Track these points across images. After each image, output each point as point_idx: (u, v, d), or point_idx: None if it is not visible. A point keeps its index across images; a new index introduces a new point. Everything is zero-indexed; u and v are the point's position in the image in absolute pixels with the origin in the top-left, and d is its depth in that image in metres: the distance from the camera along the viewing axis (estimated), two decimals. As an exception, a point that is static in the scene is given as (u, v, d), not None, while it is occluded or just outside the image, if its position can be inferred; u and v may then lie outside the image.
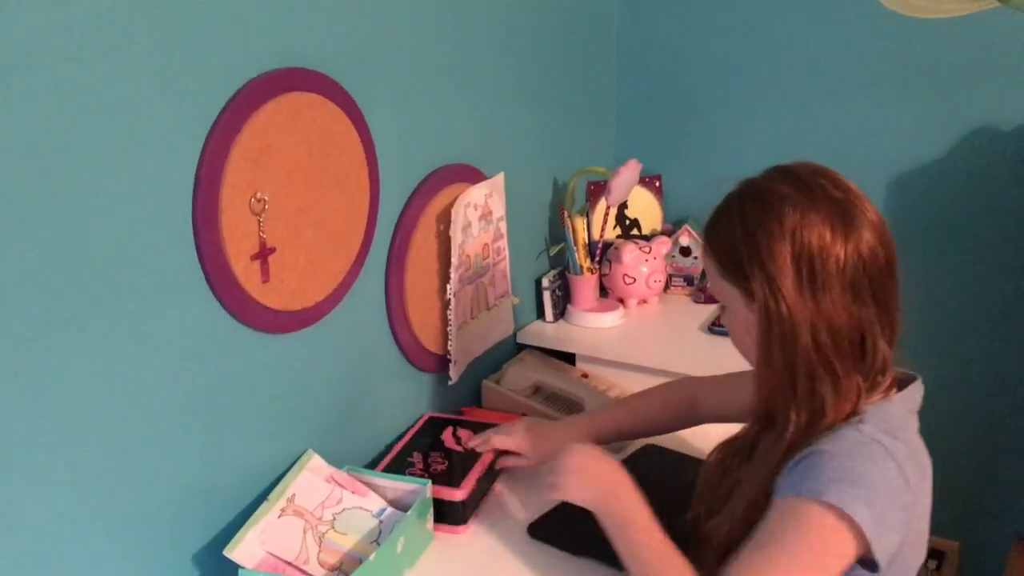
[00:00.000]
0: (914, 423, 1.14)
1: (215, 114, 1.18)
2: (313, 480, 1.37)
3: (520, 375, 1.78)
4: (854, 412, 1.09)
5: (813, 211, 1.06)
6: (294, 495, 1.33)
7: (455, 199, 1.62)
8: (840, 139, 1.98)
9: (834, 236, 1.06)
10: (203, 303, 1.21)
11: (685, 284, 2.11)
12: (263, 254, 1.26)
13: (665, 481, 1.46)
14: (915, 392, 1.15)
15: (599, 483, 1.22)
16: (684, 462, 1.52)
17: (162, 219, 1.13)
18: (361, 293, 1.47)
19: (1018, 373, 1.92)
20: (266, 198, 1.25)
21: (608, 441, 1.48)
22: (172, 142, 1.13)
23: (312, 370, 1.41)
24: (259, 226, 1.25)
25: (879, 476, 1.03)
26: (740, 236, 1.10)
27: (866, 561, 1.04)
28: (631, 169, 1.85)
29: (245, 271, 1.24)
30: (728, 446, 1.29)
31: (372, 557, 1.23)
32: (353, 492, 1.38)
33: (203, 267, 1.19)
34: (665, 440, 1.59)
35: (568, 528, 1.37)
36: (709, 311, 2.01)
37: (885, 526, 1.02)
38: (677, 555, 1.12)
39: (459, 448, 1.55)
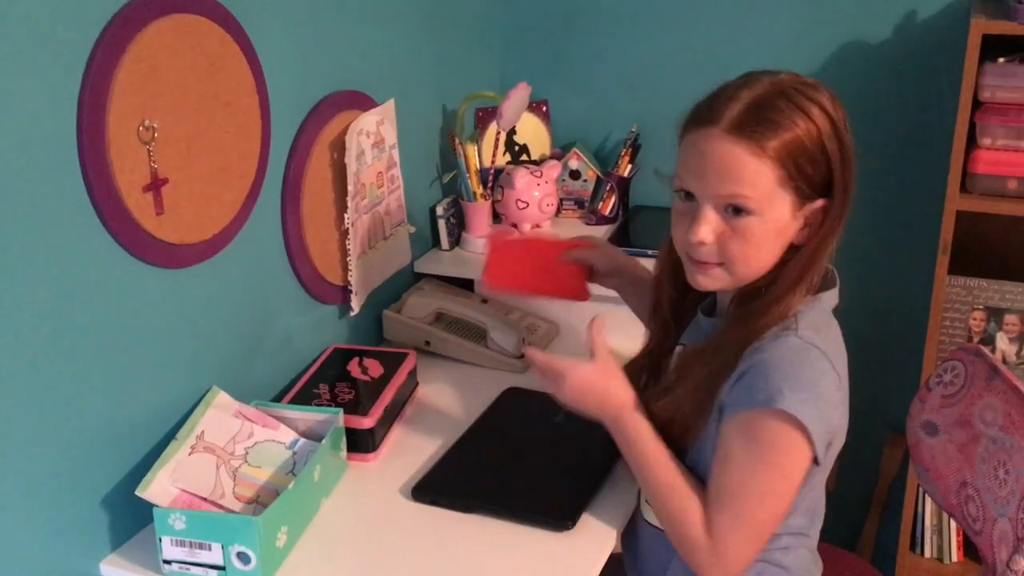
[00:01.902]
0: (834, 321, 1.19)
1: (96, 34, 1.11)
2: (221, 416, 1.34)
3: (420, 303, 1.77)
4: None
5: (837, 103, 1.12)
6: (203, 432, 1.30)
7: (347, 127, 1.59)
8: (720, 54, 2.02)
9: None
10: (96, 238, 1.16)
11: (576, 207, 2.14)
12: (156, 185, 1.21)
13: (533, 424, 1.51)
14: (835, 295, 1.20)
15: (604, 404, 1.21)
16: (548, 403, 1.53)
17: (46, 150, 1.07)
18: (258, 224, 1.44)
19: (889, 271, 2.03)
20: (155, 125, 1.20)
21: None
22: (51, 64, 1.06)
23: (213, 305, 1.37)
24: (150, 156, 1.20)
25: (819, 378, 1.09)
26: (819, 134, 1.08)
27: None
28: (521, 92, 1.85)
29: (138, 203, 1.19)
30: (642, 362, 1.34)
31: (291, 486, 1.22)
32: (264, 426, 1.37)
33: (93, 200, 1.14)
34: (527, 381, 1.61)
35: (454, 486, 1.36)
36: (600, 232, 2.04)
37: (828, 424, 1.09)
38: (679, 478, 1.16)
39: (365, 378, 1.55)
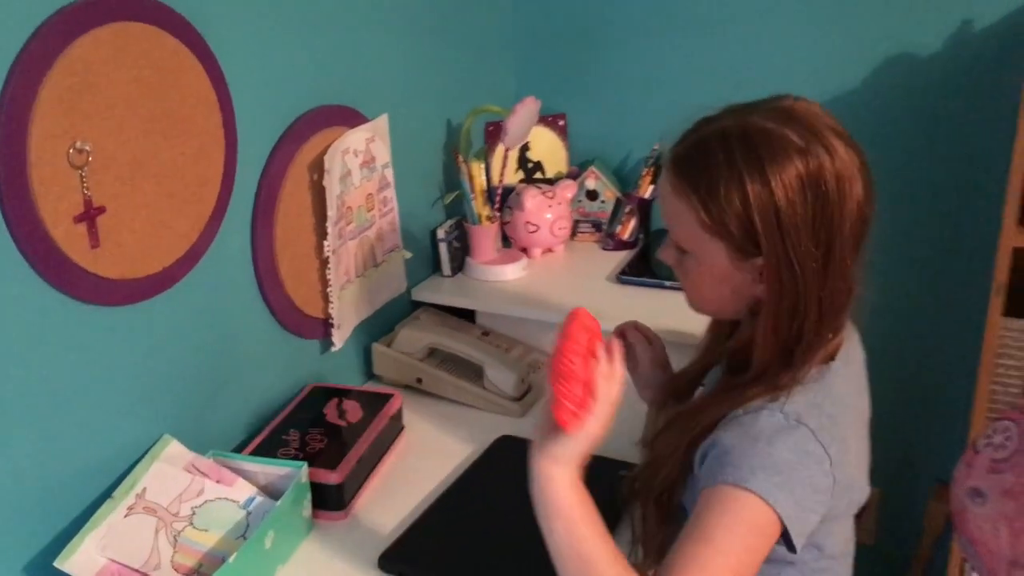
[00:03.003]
0: (846, 370, 1.07)
1: (18, 47, 0.98)
2: (168, 471, 1.20)
3: (413, 337, 1.62)
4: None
5: (827, 163, 0.96)
6: (144, 489, 1.17)
7: (331, 144, 1.44)
8: (753, 70, 1.84)
9: (844, 190, 0.97)
10: (17, 275, 1.02)
11: (593, 230, 1.97)
12: (89, 215, 1.08)
13: (524, 480, 1.33)
14: (851, 349, 1.09)
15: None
16: None
17: (-50, 177, 0.94)
18: (221, 254, 1.30)
19: (937, 320, 1.84)
20: (88, 148, 1.06)
21: None
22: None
23: (166, 344, 1.23)
24: (82, 182, 1.06)
25: (799, 463, 0.97)
26: (746, 192, 0.96)
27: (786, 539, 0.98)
28: (528, 107, 1.69)
29: (67, 235, 1.06)
30: (671, 384, 1.25)
31: (232, 557, 1.07)
32: (218, 481, 1.22)
33: (11, 233, 1.00)
34: (524, 427, 1.45)
35: (428, 556, 1.21)
36: (618, 258, 1.88)
37: (804, 509, 0.98)
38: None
39: (342, 423, 1.40)
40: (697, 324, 1.24)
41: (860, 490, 1.10)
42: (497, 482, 1.36)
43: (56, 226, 1.04)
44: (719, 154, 0.97)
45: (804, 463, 0.97)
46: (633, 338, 1.30)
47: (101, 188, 1.09)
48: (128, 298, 1.16)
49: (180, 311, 1.24)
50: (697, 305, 1.12)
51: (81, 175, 1.06)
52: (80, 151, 1.05)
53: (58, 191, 1.04)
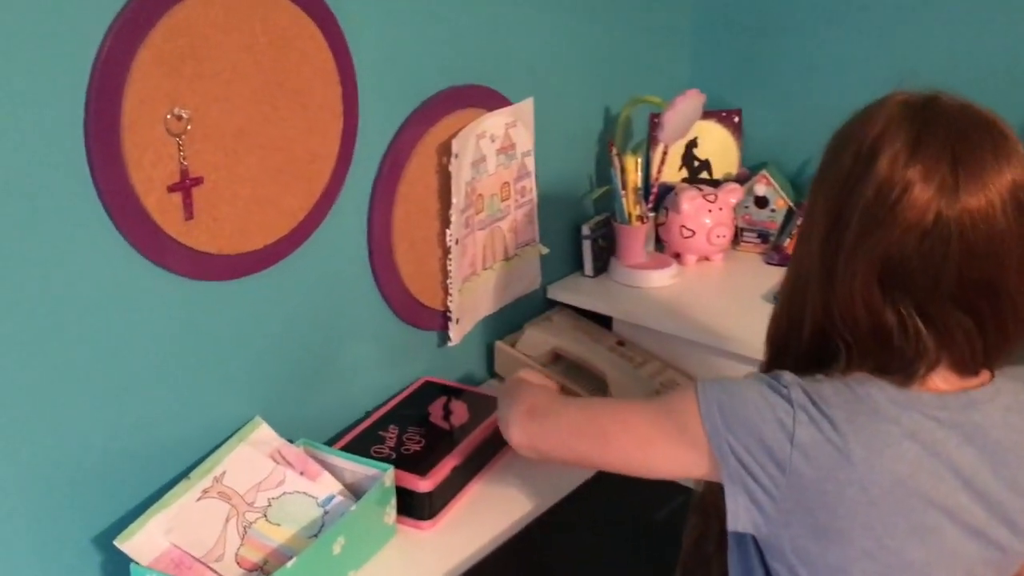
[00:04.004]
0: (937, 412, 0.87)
1: (120, 3, 0.94)
2: (252, 455, 1.15)
3: (538, 339, 1.51)
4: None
5: (906, 166, 0.82)
6: (223, 473, 1.12)
7: (464, 127, 1.35)
8: (972, 67, 1.59)
9: (916, 190, 0.82)
10: (106, 241, 0.99)
11: (759, 240, 1.78)
12: (185, 185, 1.03)
13: (625, 515, 1.25)
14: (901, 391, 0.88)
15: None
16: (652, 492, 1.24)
17: (48, 138, 0.91)
18: (332, 235, 1.23)
19: None
20: (187, 115, 1.01)
21: None
22: (59, 39, 0.90)
23: (265, 323, 1.18)
24: (179, 150, 1.02)
25: (755, 401, 0.88)
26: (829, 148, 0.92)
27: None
28: (690, 101, 1.53)
29: (160, 205, 1.02)
30: None
31: (293, 560, 1.00)
32: (301, 472, 1.17)
33: (101, 198, 0.97)
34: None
35: None
36: (780, 275, 1.68)
37: (729, 438, 0.88)
38: None
39: (444, 425, 1.31)
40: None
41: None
42: (601, 509, 1.23)
43: (148, 194, 1.00)
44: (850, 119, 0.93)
45: (759, 410, 0.87)
46: None
47: (200, 158, 1.04)
48: (225, 273, 1.11)
49: (283, 290, 1.19)
50: None
51: (179, 143, 1.01)
52: (179, 118, 1.01)
53: (152, 158, 0.99)
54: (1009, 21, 1.55)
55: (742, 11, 1.80)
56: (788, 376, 0.89)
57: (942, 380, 0.87)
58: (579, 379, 1.47)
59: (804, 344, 0.92)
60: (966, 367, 0.88)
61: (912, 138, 0.83)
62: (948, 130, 0.83)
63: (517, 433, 1.07)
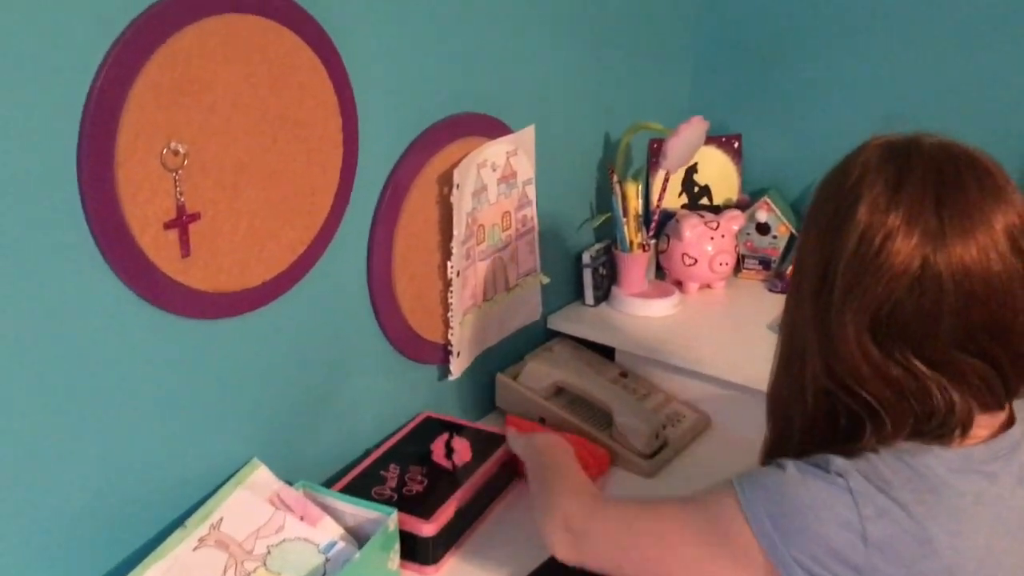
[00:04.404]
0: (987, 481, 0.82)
1: (115, 34, 0.90)
2: (250, 500, 1.11)
3: (540, 372, 1.47)
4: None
5: (886, 212, 0.79)
6: (221, 520, 1.08)
7: (465, 156, 1.31)
8: (970, 97, 1.58)
9: (899, 238, 0.78)
10: (99, 281, 0.95)
11: (760, 267, 1.76)
12: (181, 221, 0.99)
13: None
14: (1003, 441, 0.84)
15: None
16: None
17: (37, 175, 0.87)
18: (331, 269, 1.19)
19: None
20: (184, 150, 0.97)
21: None
22: (50, 72, 0.86)
23: (262, 361, 1.14)
24: (176, 185, 0.98)
25: (809, 508, 0.79)
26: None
27: None
28: (694, 128, 1.51)
29: (155, 242, 0.97)
30: None
31: (294, 616, 0.96)
32: (302, 518, 1.12)
33: (95, 236, 0.93)
34: (654, 488, 1.27)
35: None
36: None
37: (792, 552, 0.79)
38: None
39: (447, 464, 1.27)
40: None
41: None
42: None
43: (143, 232, 0.96)
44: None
45: (817, 511, 0.79)
46: None
47: (197, 193, 1.00)
48: (223, 311, 1.07)
49: (281, 327, 1.15)
50: None
51: (175, 178, 0.97)
52: (175, 152, 0.97)
53: (147, 194, 0.95)
54: (1008, 46, 1.53)
55: (742, 36, 1.79)
56: (839, 461, 0.81)
57: (979, 426, 0.83)
58: (582, 413, 1.44)
59: (810, 412, 0.87)
60: (994, 405, 0.84)
61: (892, 181, 0.79)
62: (928, 170, 0.80)
63: (561, 551, 1.01)
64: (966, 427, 0.81)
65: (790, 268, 1.69)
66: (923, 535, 0.78)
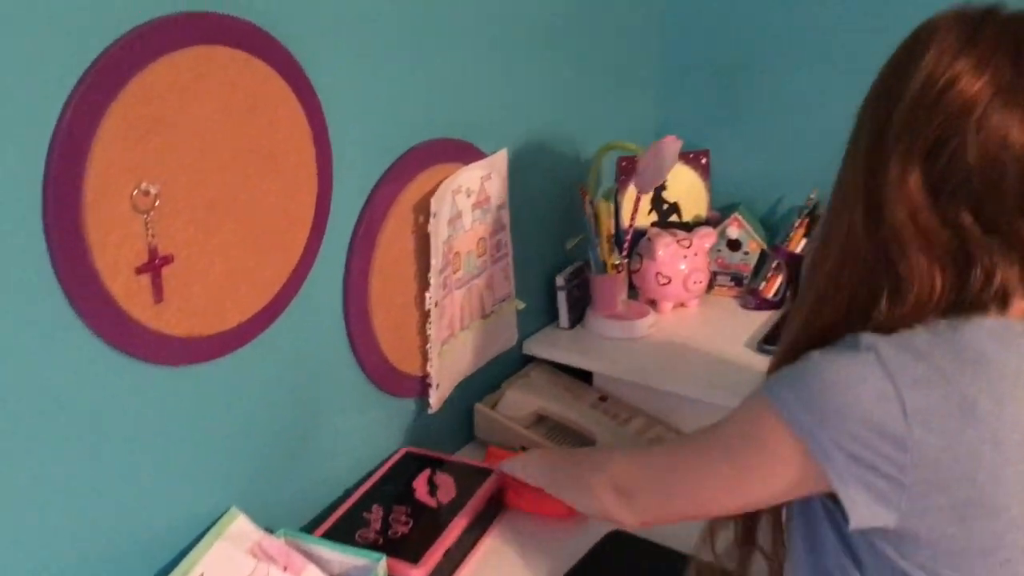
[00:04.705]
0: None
1: (80, 71, 0.85)
2: (231, 553, 1.05)
3: (519, 400, 1.44)
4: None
5: (955, 58, 0.77)
6: (202, 575, 1.02)
7: (440, 183, 1.28)
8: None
9: (965, 82, 0.75)
10: (69, 331, 0.89)
11: (732, 284, 1.75)
12: (154, 265, 0.94)
13: None
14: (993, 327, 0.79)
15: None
16: (660, 556, 1.19)
17: (3, 216, 0.82)
18: (307, 307, 1.15)
19: None
20: (156, 190, 0.92)
21: None
22: (16, 108, 0.80)
23: (239, 406, 1.09)
24: (147, 228, 0.93)
25: (841, 383, 0.76)
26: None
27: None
28: (667, 147, 1.48)
29: (127, 288, 0.92)
30: None
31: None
32: (285, 568, 1.07)
33: (62, 284, 0.87)
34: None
35: None
36: (759, 319, 1.65)
37: (829, 434, 0.76)
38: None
39: (431, 502, 1.23)
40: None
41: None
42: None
43: (114, 278, 0.91)
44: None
45: (850, 387, 0.76)
46: None
47: (170, 234, 0.95)
48: (198, 356, 1.02)
49: (258, 369, 1.10)
50: None
51: (146, 220, 0.92)
52: (146, 193, 0.92)
53: (118, 238, 0.90)
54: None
55: (707, 53, 1.78)
56: (868, 336, 0.77)
57: (1020, 299, 0.79)
58: (564, 440, 1.41)
59: (844, 285, 0.83)
60: None
61: (965, 34, 0.77)
62: (1006, 26, 0.77)
63: (623, 516, 1.01)
64: (1005, 300, 0.78)
65: (764, 284, 1.68)
66: (965, 402, 0.74)
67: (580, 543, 1.24)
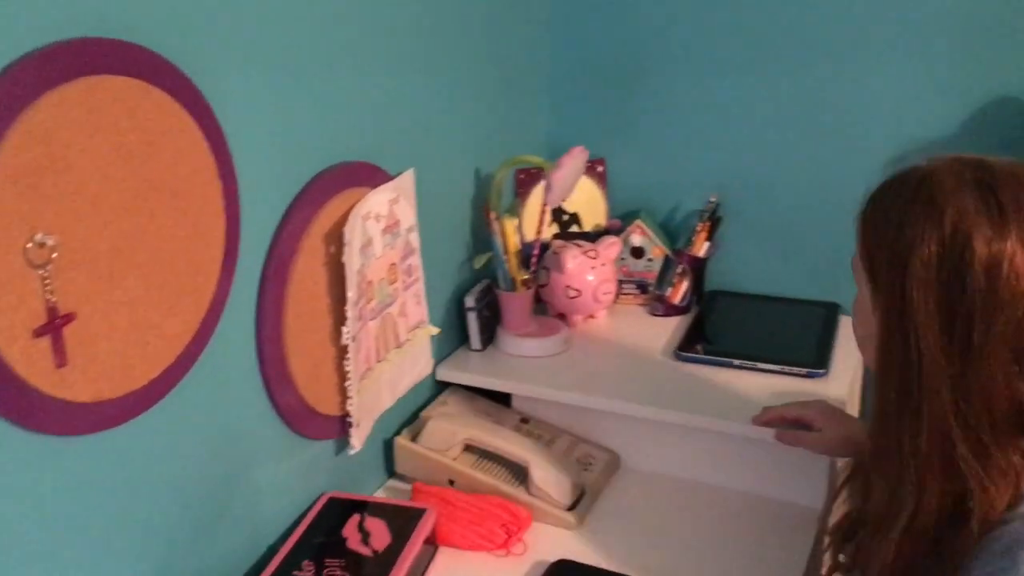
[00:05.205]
0: None
1: (-45, 114, 0.73)
2: (157, 635, 0.95)
3: (443, 430, 1.38)
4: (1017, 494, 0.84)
5: (1002, 238, 0.81)
6: (126, 666, 0.91)
7: (349, 210, 1.20)
8: (827, 112, 1.62)
9: (1000, 281, 0.81)
10: (-44, 409, 0.77)
11: (638, 291, 1.74)
12: (54, 325, 0.83)
13: None
14: None
15: None
16: None
17: None
18: (220, 355, 1.05)
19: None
20: (51, 241, 0.81)
21: None
22: None
23: (152, 472, 0.98)
24: (44, 284, 0.82)
25: None
26: (888, 242, 0.88)
27: None
28: (576, 159, 1.46)
29: (25, 354, 0.81)
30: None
31: None
32: (217, 644, 0.97)
33: (-52, 357, 0.76)
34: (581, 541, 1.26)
35: None
36: (669, 326, 1.64)
37: None
38: None
39: (366, 551, 1.15)
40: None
41: None
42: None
43: (10, 344, 0.79)
44: (894, 190, 0.90)
45: None
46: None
47: (70, 289, 0.84)
48: (107, 422, 0.91)
49: (171, 428, 1.00)
50: (860, 347, 1.02)
51: (43, 275, 0.81)
52: (41, 245, 0.81)
53: (12, 299, 0.79)
54: (866, 62, 1.58)
55: (597, 62, 1.76)
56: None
57: None
58: (493, 469, 1.36)
59: (934, 447, 0.86)
60: None
61: (988, 208, 0.82)
62: (1017, 188, 0.83)
63: None
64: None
65: (670, 290, 1.68)
66: None
67: (529, 574, 1.19)
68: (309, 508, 1.24)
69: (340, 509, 1.23)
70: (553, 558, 1.21)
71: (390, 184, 1.29)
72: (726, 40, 1.65)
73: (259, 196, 1.07)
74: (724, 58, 1.66)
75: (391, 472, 1.42)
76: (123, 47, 0.87)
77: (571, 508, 1.31)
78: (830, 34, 1.58)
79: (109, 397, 0.90)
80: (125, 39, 0.87)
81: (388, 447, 1.41)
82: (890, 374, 0.89)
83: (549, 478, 1.31)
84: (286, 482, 1.20)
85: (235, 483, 1.11)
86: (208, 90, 0.97)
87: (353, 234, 1.19)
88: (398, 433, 1.41)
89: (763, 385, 1.43)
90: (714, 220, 1.68)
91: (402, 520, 1.21)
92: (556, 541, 1.26)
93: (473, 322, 1.56)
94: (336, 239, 1.19)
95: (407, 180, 1.33)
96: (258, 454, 1.14)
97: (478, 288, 1.57)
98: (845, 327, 1.59)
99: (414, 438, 1.40)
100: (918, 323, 0.84)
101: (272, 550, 1.16)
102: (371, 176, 1.27)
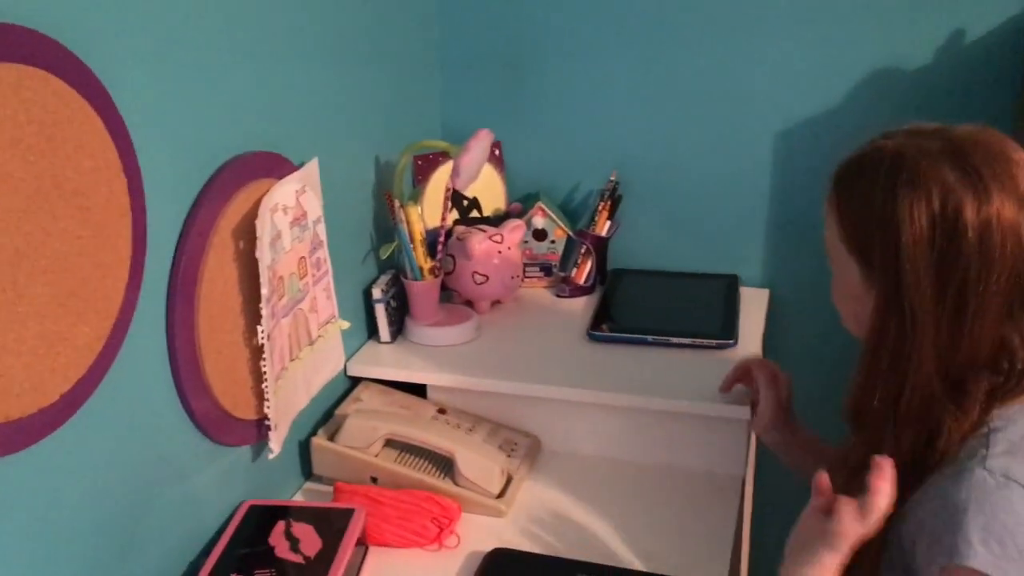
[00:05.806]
0: None
1: None
2: (85, 670, 0.88)
3: (361, 427, 1.33)
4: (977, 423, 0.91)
5: (988, 202, 0.87)
6: None
7: (258, 202, 1.14)
8: (720, 88, 1.64)
9: (991, 243, 0.86)
10: None
11: (542, 274, 1.73)
12: (-44, 342, 0.75)
13: None
14: None
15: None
16: (549, 570, 1.16)
17: None
18: (130, 364, 0.97)
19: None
20: (-50, 249, 0.73)
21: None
22: None
23: (64, 494, 0.91)
24: (-58, 296, 0.74)
25: (1017, 526, 0.83)
26: (877, 217, 0.91)
27: None
28: (482, 141, 1.43)
29: (-75, 376, 0.73)
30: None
31: None
32: (151, 671, 0.91)
33: None
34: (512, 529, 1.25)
35: None
36: (577, 306, 1.64)
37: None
38: None
39: (297, 557, 1.10)
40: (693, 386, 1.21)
41: None
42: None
43: (-93, 366, 0.71)
44: (868, 172, 0.93)
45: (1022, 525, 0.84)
46: (759, 377, 1.24)
47: (-29, 301, 0.76)
48: (15, 444, 0.83)
49: (84, 446, 0.92)
50: (847, 324, 1.05)
51: (-59, 287, 0.73)
52: (-62, 253, 0.73)
53: (-92, 315, 0.71)
54: (746, 43, 1.62)
55: (487, 44, 1.74)
56: (998, 461, 0.86)
57: None
58: (416, 463, 1.32)
59: (903, 416, 0.92)
60: None
61: (970, 173, 0.87)
62: (985, 153, 0.88)
63: None
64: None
65: (575, 271, 1.67)
66: None
67: (465, 566, 1.17)
68: (229, 518, 1.17)
69: (262, 517, 1.18)
70: (487, 548, 1.19)
71: (296, 174, 1.23)
72: (618, 19, 1.66)
73: (165, 191, 1.00)
74: (616, 37, 1.67)
75: (308, 474, 1.37)
76: (18, 32, 0.79)
77: (499, 496, 1.29)
78: (721, 12, 1.61)
79: (18, 416, 0.82)
80: (21, 23, 0.79)
81: (304, 448, 1.36)
82: (883, 343, 0.93)
83: (476, 467, 1.28)
84: (205, 493, 1.14)
85: (153, 499, 1.04)
86: (108, 78, 0.90)
87: (264, 226, 1.13)
88: (313, 433, 1.36)
89: (674, 359, 1.45)
90: (614, 199, 1.69)
91: (330, 523, 1.16)
92: (488, 530, 1.24)
93: (381, 314, 1.51)
94: (245, 234, 1.12)
95: (312, 170, 1.28)
96: (175, 466, 1.07)
97: (385, 279, 1.53)
98: (746, 298, 1.64)
99: (331, 437, 1.35)
100: (914, 296, 0.89)
101: (194, 567, 1.10)
102: (277, 166, 1.21)
